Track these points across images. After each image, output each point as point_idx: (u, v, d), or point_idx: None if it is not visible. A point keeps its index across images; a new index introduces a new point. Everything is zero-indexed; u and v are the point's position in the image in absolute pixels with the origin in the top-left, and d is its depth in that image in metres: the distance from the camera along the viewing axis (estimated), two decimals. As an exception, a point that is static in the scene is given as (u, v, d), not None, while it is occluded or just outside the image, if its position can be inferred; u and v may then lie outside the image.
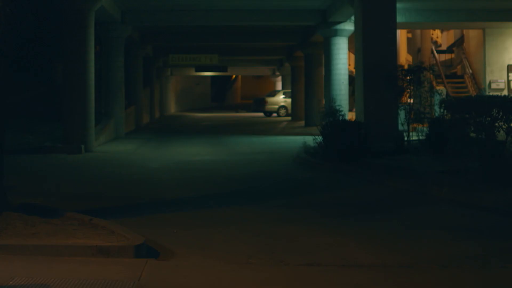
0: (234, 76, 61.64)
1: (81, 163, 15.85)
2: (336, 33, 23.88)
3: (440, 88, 25.49)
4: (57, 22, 21.26)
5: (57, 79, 26.85)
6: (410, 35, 35.10)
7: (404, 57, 30.51)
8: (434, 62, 30.17)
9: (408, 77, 16.40)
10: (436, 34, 35.50)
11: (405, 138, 16.05)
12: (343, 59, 24.26)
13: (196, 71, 41.07)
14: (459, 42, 31.01)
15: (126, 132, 24.90)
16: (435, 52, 32.19)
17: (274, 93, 44.05)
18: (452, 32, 34.51)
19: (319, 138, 15.29)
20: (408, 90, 16.54)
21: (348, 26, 23.34)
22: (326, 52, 24.61)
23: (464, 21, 24.16)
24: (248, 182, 12.58)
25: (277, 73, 48.85)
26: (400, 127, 16.60)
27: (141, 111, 30.34)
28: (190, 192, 11.38)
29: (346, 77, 24.28)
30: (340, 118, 15.72)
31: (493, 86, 26.04)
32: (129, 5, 22.86)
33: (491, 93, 23.49)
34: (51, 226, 7.54)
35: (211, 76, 55.70)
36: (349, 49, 25.94)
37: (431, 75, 20.16)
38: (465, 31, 29.60)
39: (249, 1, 22.52)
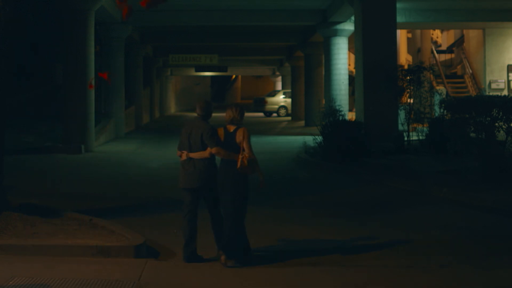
0: (234, 76, 61.60)
1: (81, 163, 15.84)
2: (336, 33, 23.88)
3: (440, 88, 25.48)
4: (57, 22, 21.27)
5: (57, 79, 26.85)
6: (410, 35, 35.10)
7: (404, 57, 30.53)
8: (434, 62, 30.18)
9: (408, 77, 16.39)
10: (436, 34, 35.49)
11: (405, 138, 16.04)
12: (343, 59, 24.25)
13: (196, 71, 41.05)
14: (459, 42, 31.02)
15: (126, 132, 24.89)
16: (435, 52, 32.19)
17: (274, 93, 44.02)
18: (452, 32, 34.51)
19: (319, 138, 15.27)
20: (408, 90, 16.53)
21: (348, 26, 23.34)
22: (326, 52, 24.61)
23: (464, 21, 24.16)
24: (248, 182, 12.56)
25: (277, 73, 48.83)
26: (400, 127, 16.60)
27: (141, 111, 30.32)
28: (190, 192, 11.37)
29: (346, 77, 24.28)
30: (340, 118, 15.70)
31: (493, 86, 26.03)
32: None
33: (491, 93, 23.48)
34: (51, 226, 7.54)
35: (211, 76, 55.69)
36: (349, 49, 25.93)
37: (431, 75, 20.16)
38: (465, 31, 29.60)
39: (249, 1, 22.51)
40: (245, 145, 6.61)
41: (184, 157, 6.85)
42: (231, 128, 6.74)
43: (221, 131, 6.78)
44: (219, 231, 6.82)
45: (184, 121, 6.95)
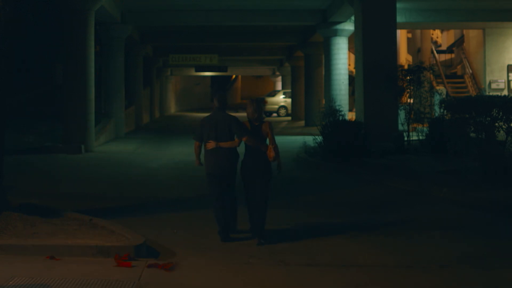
0: (234, 76, 61.60)
1: (81, 163, 15.85)
2: (336, 33, 23.89)
3: (440, 88, 25.50)
4: (57, 22, 21.26)
5: (57, 79, 26.86)
6: (410, 35, 35.10)
7: (404, 57, 30.52)
8: (434, 62, 30.18)
9: (408, 77, 16.40)
10: (436, 34, 35.50)
11: (405, 138, 16.05)
12: (343, 59, 24.26)
13: (196, 71, 41.04)
14: (459, 42, 31.02)
15: (126, 132, 24.89)
16: (435, 52, 32.19)
17: (274, 93, 44.03)
18: (452, 32, 34.52)
19: (319, 138, 15.27)
20: (408, 90, 16.54)
21: (348, 26, 23.34)
22: (326, 52, 24.61)
23: (464, 21, 24.17)
24: (248, 182, 12.54)
25: (277, 73, 48.83)
26: (400, 127, 16.60)
27: (141, 111, 30.33)
28: (190, 192, 11.38)
29: (346, 77, 24.28)
30: (340, 118, 15.70)
31: (493, 86, 26.05)
32: (129, 5, 22.86)
33: (491, 93, 23.50)
34: (51, 226, 7.53)
35: (211, 76, 55.66)
36: (349, 49, 25.94)
37: (431, 75, 20.18)
38: (465, 31, 29.61)
39: (249, 1, 22.51)
40: (271, 136, 7.56)
41: (211, 146, 7.50)
42: (256, 122, 7.62)
43: (247, 124, 7.62)
44: (233, 216, 7.69)
45: (202, 119, 7.86)
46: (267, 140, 7.64)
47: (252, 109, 7.61)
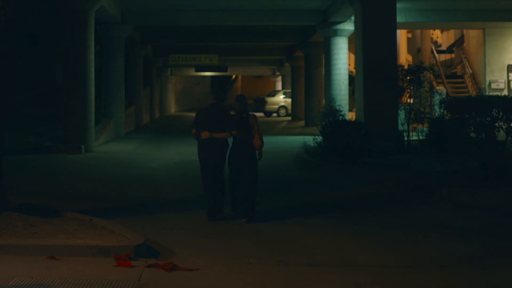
0: (234, 76, 61.60)
1: (81, 163, 15.84)
2: (336, 33, 23.89)
3: (440, 88, 25.51)
4: (57, 22, 21.26)
5: (57, 79, 26.86)
6: (410, 35, 35.12)
7: (404, 57, 30.54)
8: (434, 62, 30.19)
9: (408, 77, 16.40)
10: (436, 34, 35.51)
11: (405, 138, 16.04)
12: (343, 59, 24.26)
13: (196, 71, 41.02)
14: (459, 42, 31.03)
15: (126, 132, 24.89)
16: (435, 52, 32.21)
17: (274, 93, 44.02)
18: (452, 32, 34.52)
19: (319, 138, 15.26)
20: (408, 90, 16.54)
21: (348, 26, 23.34)
22: (326, 52, 24.61)
23: (464, 21, 24.17)
24: (248, 182, 12.53)
25: (277, 73, 48.82)
26: (400, 127, 16.60)
27: (141, 111, 30.33)
28: (190, 192, 11.38)
29: (346, 77, 24.28)
30: (340, 118, 15.68)
31: (493, 86, 26.05)
32: (129, 5, 22.85)
33: (491, 93, 23.50)
34: (51, 226, 7.53)
35: (211, 76, 55.68)
36: (349, 49, 25.94)
37: (431, 75, 20.18)
38: (465, 31, 29.61)
39: (249, 1, 22.51)
40: (256, 127, 8.60)
41: (205, 136, 8.48)
42: (243, 114, 8.62)
43: (236, 117, 8.58)
44: (221, 199, 8.67)
45: (199, 110, 9.01)
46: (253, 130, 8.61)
47: (239, 103, 8.65)
